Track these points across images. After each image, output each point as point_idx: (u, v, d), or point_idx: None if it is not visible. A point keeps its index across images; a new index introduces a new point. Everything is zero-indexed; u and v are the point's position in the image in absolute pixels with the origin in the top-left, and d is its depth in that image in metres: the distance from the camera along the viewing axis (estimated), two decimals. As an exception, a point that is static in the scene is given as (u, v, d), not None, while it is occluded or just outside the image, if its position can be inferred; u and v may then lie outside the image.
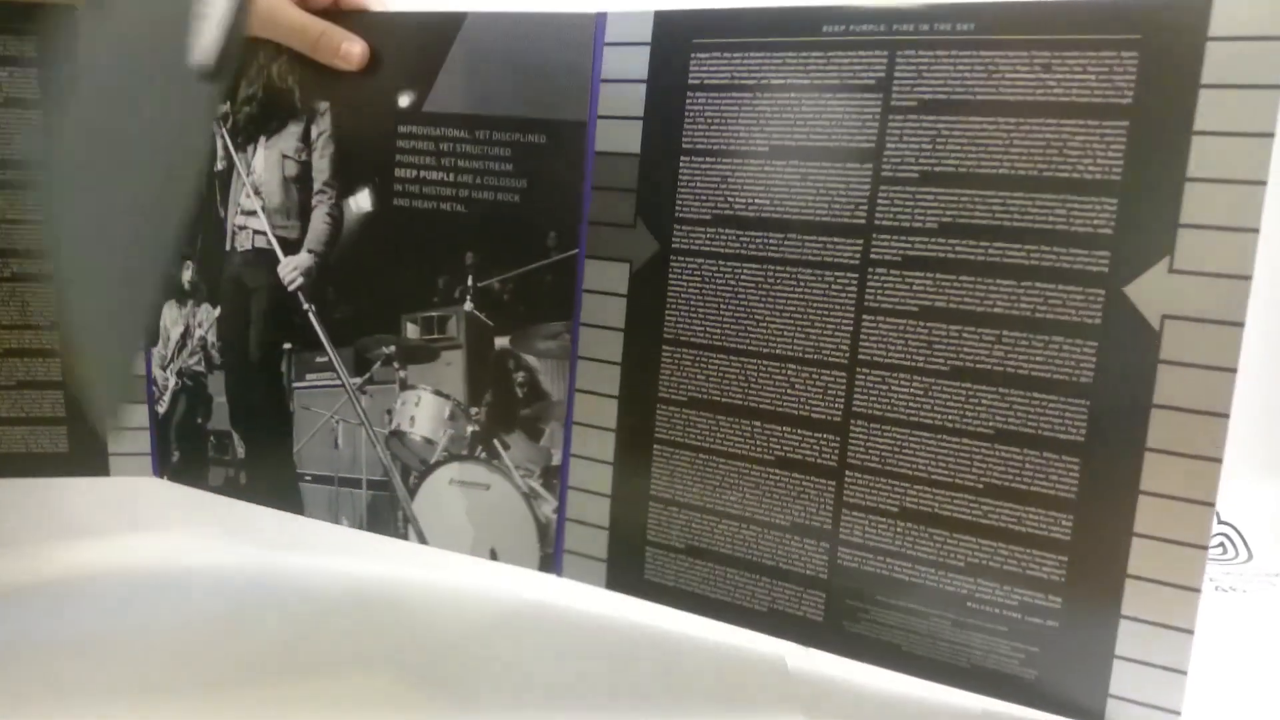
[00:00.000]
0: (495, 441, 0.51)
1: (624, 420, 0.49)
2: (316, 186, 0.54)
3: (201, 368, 0.58)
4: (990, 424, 0.41)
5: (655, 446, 0.48)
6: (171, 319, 0.59)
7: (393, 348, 0.53)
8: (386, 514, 0.54)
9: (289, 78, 0.53)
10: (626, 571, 0.50)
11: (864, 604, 0.44)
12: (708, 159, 0.45)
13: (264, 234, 0.55)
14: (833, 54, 0.43)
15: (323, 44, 0.51)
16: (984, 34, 0.40)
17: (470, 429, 0.52)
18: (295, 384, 0.56)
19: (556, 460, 0.50)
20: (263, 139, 0.55)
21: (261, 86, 0.54)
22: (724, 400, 0.46)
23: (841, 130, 0.43)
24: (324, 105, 0.53)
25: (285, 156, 0.54)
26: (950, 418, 0.42)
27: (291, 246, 0.54)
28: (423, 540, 0.54)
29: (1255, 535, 0.60)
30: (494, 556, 0.52)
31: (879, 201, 0.42)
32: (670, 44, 0.46)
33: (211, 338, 0.57)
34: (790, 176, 0.44)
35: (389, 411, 0.54)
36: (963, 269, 0.41)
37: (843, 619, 0.45)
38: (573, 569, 0.51)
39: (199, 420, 0.58)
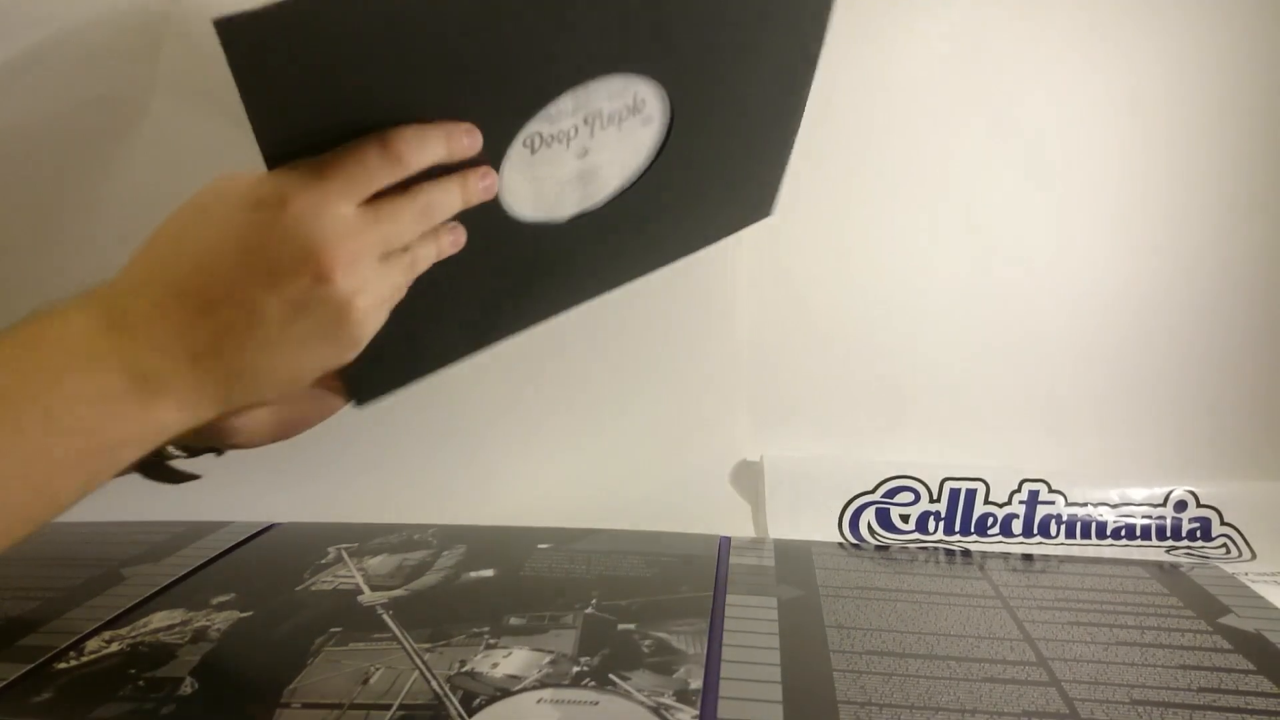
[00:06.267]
0: (611, 675, 0.41)
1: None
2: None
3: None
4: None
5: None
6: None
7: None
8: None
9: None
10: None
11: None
12: None
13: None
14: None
15: None
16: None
17: (575, 669, 0.41)
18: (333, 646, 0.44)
19: (695, 686, 0.40)
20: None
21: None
22: None
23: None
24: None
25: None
26: None
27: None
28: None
29: (1257, 535, 0.60)
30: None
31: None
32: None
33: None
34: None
35: (462, 661, 0.42)
36: None
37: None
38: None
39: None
